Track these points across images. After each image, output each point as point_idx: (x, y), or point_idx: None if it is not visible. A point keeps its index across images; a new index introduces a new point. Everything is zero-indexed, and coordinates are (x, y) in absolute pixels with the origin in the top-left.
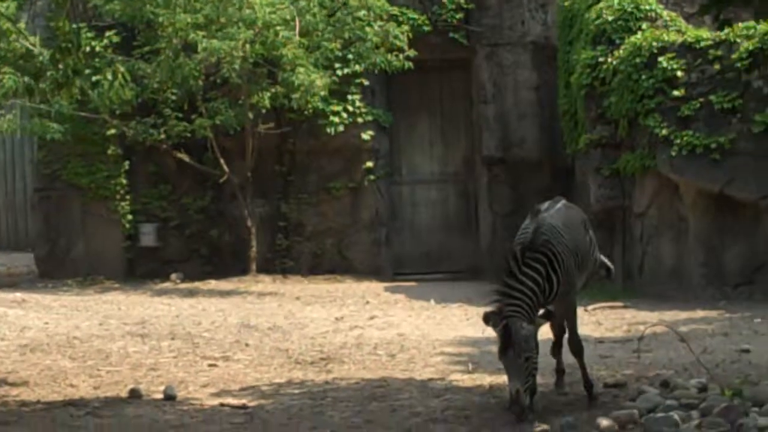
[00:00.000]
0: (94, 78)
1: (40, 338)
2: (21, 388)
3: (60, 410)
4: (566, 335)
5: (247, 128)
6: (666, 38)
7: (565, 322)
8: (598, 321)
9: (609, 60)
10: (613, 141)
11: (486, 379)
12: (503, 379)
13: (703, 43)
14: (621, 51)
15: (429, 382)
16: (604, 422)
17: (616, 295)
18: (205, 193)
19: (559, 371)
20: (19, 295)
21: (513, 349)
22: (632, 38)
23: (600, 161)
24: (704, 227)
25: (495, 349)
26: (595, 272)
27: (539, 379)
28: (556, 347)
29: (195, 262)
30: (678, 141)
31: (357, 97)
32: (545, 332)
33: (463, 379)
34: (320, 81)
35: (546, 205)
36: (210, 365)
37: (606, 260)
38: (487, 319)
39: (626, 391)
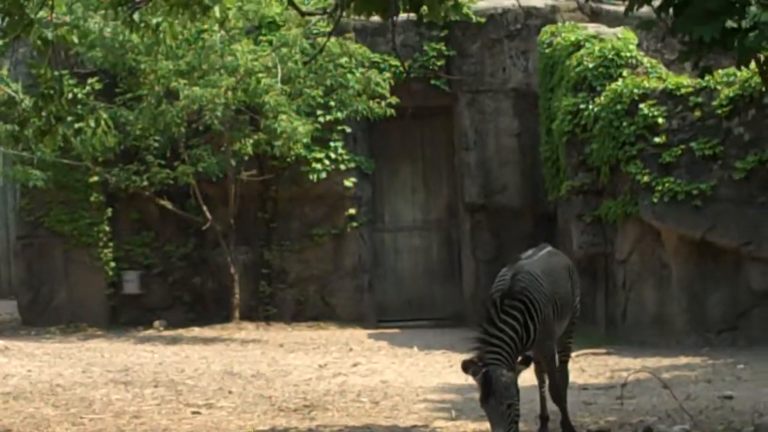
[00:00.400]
0: (76, 125)
1: (23, 386)
2: None
3: None
4: (548, 382)
5: (229, 175)
6: (647, 85)
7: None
8: (581, 368)
9: (590, 107)
10: (594, 188)
11: (469, 426)
12: (486, 426)
13: (683, 90)
14: (602, 98)
15: (413, 429)
16: None
17: (600, 342)
18: (188, 240)
19: (543, 418)
20: (1, 342)
21: (494, 396)
22: (613, 85)
23: (582, 208)
24: (686, 274)
25: (478, 396)
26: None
27: (522, 426)
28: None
29: (178, 310)
30: (659, 188)
31: (339, 144)
32: (528, 379)
33: (446, 426)
34: (302, 128)
35: (530, 252)
36: (193, 413)
37: None
38: (466, 367)
39: None
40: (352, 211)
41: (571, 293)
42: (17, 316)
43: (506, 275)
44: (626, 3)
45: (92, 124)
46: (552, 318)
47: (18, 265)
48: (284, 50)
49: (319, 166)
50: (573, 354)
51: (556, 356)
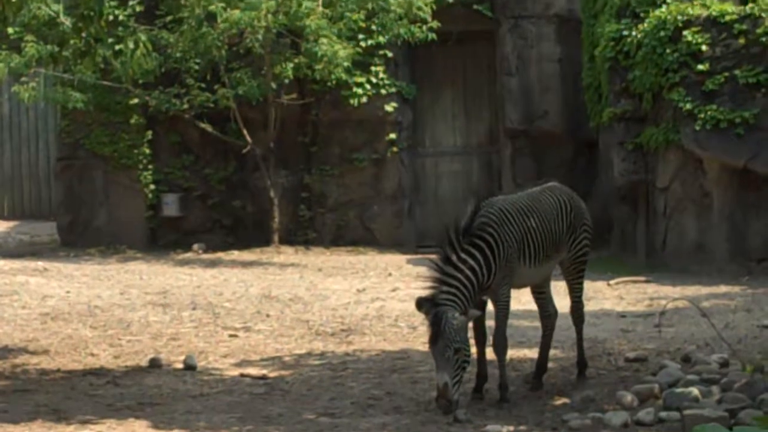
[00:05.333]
0: (116, 47)
1: (62, 307)
2: (41, 357)
3: (80, 379)
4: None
5: (269, 99)
6: (691, 12)
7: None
8: (620, 295)
9: (633, 33)
10: (637, 115)
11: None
12: (523, 352)
13: (728, 17)
14: (645, 24)
15: None
16: (625, 397)
17: (639, 270)
18: (228, 164)
19: (579, 363)
20: (41, 263)
21: (442, 339)
22: (657, 12)
23: (623, 135)
24: (728, 202)
25: (515, 321)
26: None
27: (560, 353)
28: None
29: (217, 233)
30: (702, 115)
31: (380, 68)
32: (564, 306)
33: None
34: (343, 52)
35: (530, 188)
36: (231, 335)
37: None
38: (420, 305)
39: (647, 366)
40: (392, 135)
41: (565, 233)
42: (57, 237)
43: (468, 211)
44: None
45: (131, 45)
46: (516, 261)
47: (58, 186)
48: None
49: (360, 90)
50: (613, 281)
51: (508, 305)
